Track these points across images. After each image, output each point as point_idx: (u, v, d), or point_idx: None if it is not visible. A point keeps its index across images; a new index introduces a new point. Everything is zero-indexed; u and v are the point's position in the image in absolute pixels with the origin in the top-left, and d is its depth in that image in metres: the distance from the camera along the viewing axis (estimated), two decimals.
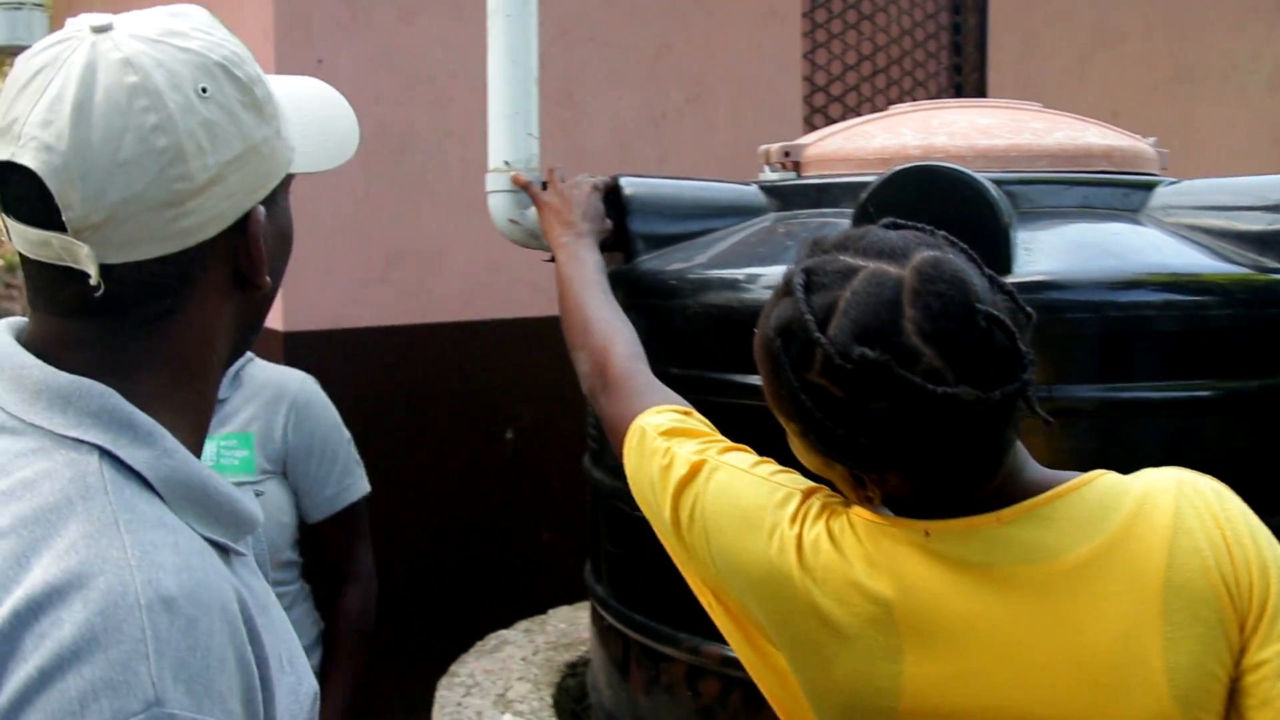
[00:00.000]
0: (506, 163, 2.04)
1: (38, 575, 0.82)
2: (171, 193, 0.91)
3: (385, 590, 3.42)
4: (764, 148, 2.15)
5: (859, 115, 4.23)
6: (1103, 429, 1.73)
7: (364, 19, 3.29)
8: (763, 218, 2.05)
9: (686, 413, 1.43)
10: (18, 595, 0.81)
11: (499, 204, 2.06)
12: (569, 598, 3.10)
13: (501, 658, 2.58)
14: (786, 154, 2.08)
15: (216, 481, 0.96)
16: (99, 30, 0.92)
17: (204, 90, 0.93)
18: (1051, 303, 1.66)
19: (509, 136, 2.04)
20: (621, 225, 2.01)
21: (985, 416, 1.10)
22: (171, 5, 1.00)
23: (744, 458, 1.32)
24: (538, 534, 3.63)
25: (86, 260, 0.89)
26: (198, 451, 1.01)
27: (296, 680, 1.01)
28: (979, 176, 1.64)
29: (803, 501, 1.24)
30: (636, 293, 1.94)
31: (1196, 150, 4.79)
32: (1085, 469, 1.19)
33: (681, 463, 1.32)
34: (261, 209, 0.98)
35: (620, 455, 1.45)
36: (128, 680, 0.80)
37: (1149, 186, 1.97)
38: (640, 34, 3.72)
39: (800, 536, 1.20)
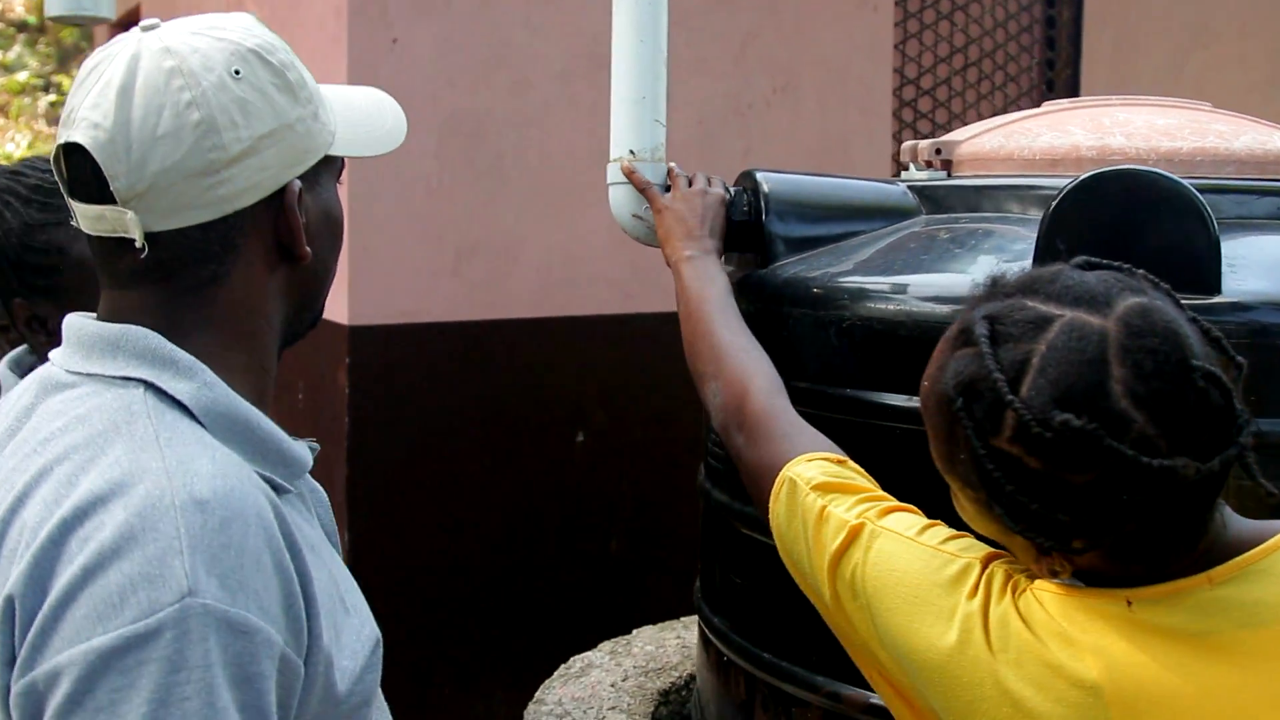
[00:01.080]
0: (632, 152, 1.84)
1: (84, 487, 0.91)
2: (207, 162, 0.99)
3: (450, 598, 3.27)
4: (910, 144, 1.96)
5: (949, 110, 4.09)
6: None
7: None
8: (911, 221, 1.86)
9: (840, 461, 1.29)
10: (66, 506, 0.90)
11: (621, 197, 1.87)
12: (642, 611, 2.95)
13: (589, 684, 2.40)
14: (938, 151, 1.90)
15: (260, 418, 1.03)
16: (146, 30, 1.03)
17: (237, 72, 1.02)
18: (1265, 326, 1.49)
19: (635, 123, 1.84)
20: (757, 225, 1.83)
21: (1200, 487, 0.98)
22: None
23: (908, 520, 1.18)
24: (606, 542, 3.47)
25: (133, 226, 0.99)
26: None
27: (360, 623, 1.07)
28: (1187, 184, 1.46)
29: (982, 571, 1.10)
30: (778, 300, 1.76)
31: None
32: None
33: (838, 526, 1.18)
34: (298, 183, 1.05)
35: (762, 505, 1.31)
36: (163, 573, 0.87)
37: None
38: (727, 20, 3.54)
39: (986, 612, 1.07)
